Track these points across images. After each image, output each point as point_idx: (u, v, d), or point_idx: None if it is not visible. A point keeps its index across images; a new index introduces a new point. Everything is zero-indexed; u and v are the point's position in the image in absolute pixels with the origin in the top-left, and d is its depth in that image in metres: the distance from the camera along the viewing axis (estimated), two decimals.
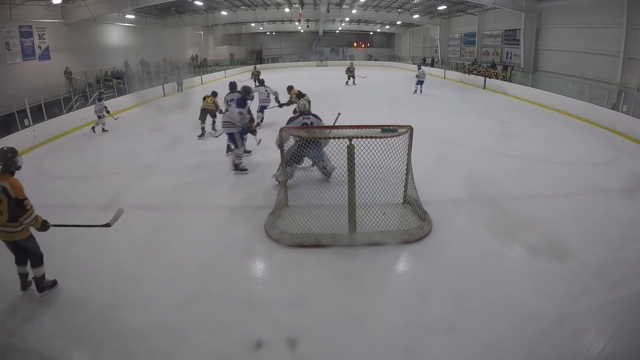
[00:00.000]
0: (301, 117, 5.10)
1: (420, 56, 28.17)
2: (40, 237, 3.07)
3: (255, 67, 18.93)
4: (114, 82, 13.51)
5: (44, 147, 8.10)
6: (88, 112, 10.51)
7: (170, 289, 3.18)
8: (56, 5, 13.93)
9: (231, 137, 5.81)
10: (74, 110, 10.41)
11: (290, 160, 4.67)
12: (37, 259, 3.09)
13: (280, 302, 3.07)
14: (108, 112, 9.28)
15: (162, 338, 2.68)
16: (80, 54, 15.55)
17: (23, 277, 3.15)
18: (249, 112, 6.01)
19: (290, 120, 5.20)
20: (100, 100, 9.18)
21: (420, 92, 14.07)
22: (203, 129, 8.06)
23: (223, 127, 5.86)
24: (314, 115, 5.16)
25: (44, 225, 3.01)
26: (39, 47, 13.65)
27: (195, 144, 7.70)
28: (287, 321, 2.84)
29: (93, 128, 9.19)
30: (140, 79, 15.29)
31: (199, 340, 2.65)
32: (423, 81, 14.05)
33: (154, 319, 2.86)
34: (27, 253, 3.06)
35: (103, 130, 9.17)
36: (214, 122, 8.16)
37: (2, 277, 3.31)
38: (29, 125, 8.13)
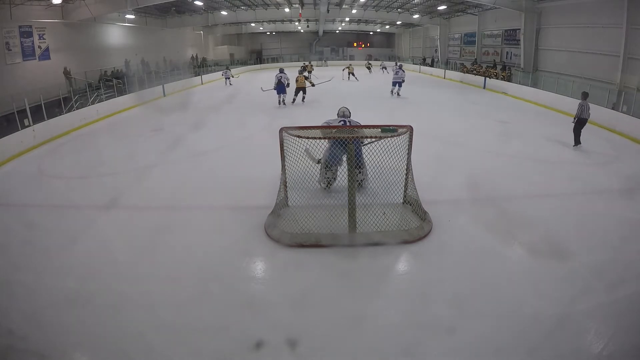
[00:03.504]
0: (338, 117, 5.04)
1: (420, 56, 28.20)
2: (40, 237, 3.35)
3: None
4: (114, 82, 13.50)
5: (44, 147, 8.08)
6: (88, 112, 10.56)
7: (170, 289, 3.18)
8: (56, 5, 13.89)
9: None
10: (74, 110, 10.39)
11: (328, 163, 4.61)
12: (305, 92, 11.86)
13: (280, 302, 3.07)
14: (232, 76, 18.48)
15: (162, 338, 2.67)
16: (80, 54, 15.53)
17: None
18: None
19: (328, 121, 5.06)
20: (227, 68, 19.12)
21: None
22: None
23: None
24: (355, 121, 5.05)
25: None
26: (39, 47, 13.63)
27: (195, 143, 7.69)
28: (287, 321, 2.84)
29: (225, 82, 18.23)
30: (140, 79, 15.29)
31: (199, 340, 2.65)
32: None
33: (154, 319, 2.86)
34: (304, 91, 11.81)
35: (230, 84, 18.00)
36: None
37: (2, 277, 3.32)
38: (29, 125, 8.11)
